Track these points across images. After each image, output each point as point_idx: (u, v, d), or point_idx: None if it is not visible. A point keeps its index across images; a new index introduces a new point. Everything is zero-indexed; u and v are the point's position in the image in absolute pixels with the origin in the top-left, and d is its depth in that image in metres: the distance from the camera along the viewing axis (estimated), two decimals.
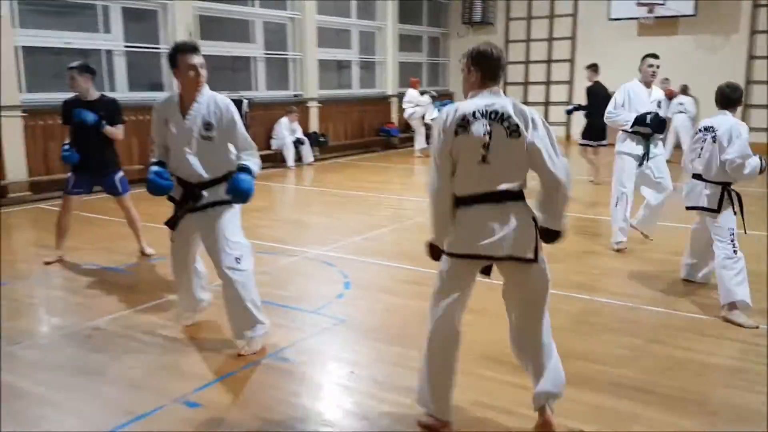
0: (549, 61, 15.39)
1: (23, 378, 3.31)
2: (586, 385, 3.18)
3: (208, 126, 3.45)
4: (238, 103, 10.55)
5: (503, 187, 2.55)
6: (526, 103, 15.93)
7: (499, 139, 2.52)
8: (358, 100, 13.72)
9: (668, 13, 13.27)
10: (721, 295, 4.07)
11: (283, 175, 10.70)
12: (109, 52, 9.31)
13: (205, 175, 3.50)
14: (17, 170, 8.07)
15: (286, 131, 11.40)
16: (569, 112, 11.19)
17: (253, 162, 3.48)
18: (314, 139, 12.13)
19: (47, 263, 5.34)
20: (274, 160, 11.52)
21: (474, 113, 2.54)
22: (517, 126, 2.52)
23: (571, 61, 15.05)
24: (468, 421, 2.90)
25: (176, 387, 3.19)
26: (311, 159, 11.75)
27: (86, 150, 5.22)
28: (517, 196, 2.59)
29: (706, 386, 3.17)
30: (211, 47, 10.59)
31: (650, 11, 13.32)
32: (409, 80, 13.33)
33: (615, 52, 14.16)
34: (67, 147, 5.22)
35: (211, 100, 3.49)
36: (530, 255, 2.61)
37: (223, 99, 3.53)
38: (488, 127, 2.52)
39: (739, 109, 4.58)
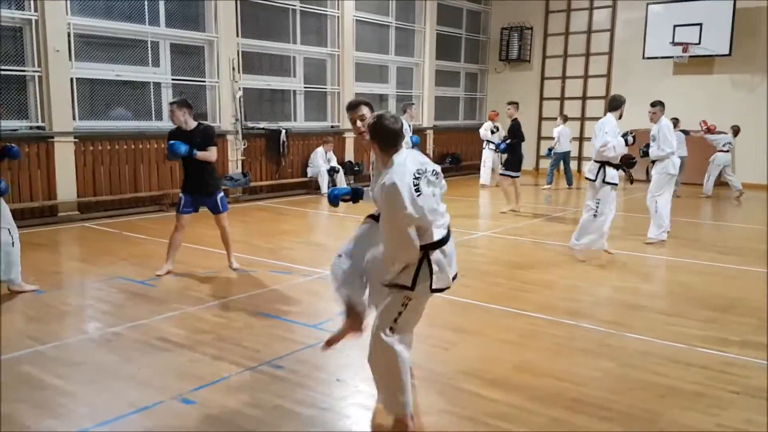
0: (584, 98, 15.56)
1: (47, 372, 3.75)
2: (549, 400, 3.42)
3: None
4: (277, 132, 11.27)
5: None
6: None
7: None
8: None
9: (703, 52, 13.33)
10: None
11: (317, 202, 11.16)
12: (157, 84, 10.03)
13: None
14: (67, 191, 8.76)
15: (321, 160, 11.91)
16: (504, 150, 10.81)
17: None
18: (349, 168, 12.61)
19: (158, 275, 5.88)
20: (308, 187, 12.03)
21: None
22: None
23: (606, 98, 15.14)
24: (431, 426, 3.16)
25: (177, 386, 3.57)
26: None
27: (191, 173, 5.92)
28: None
29: (663, 407, 3.35)
30: (252, 80, 11.26)
31: (685, 50, 13.41)
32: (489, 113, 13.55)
33: (650, 90, 14.27)
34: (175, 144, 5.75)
35: None
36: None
37: None
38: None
39: (620, 111, 6.78)
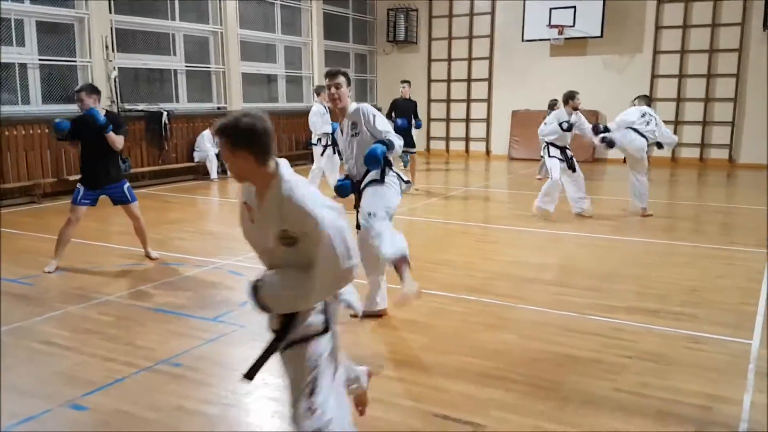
0: (469, 80, 15.98)
1: None
2: (457, 376, 3.48)
3: (353, 125, 4.24)
4: (157, 114, 10.68)
5: None
6: (448, 120, 16.52)
7: None
8: (285, 113, 13.87)
9: (577, 34, 14.06)
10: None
11: (206, 188, 10.74)
12: (23, 65, 9.17)
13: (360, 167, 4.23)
14: None
15: (209, 143, 11.45)
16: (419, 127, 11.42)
17: (394, 138, 4.17)
18: None
19: (47, 272, 5.46)
20: (196, 172, 11.54)
21: None
22: None
23: (489, 80, 15.68)
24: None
25: (66, 392, 3.29)
26: None
27: (93, 163, 5.56)
28: None
29: (563, 375, 3.50)
30: (128, 59, 10.58)
31: (560, 32, 14.08)
32: None
33: (530, 72, 14.92)
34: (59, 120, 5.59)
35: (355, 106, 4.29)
36: None
37: (362, 104, 4.32)
38: None
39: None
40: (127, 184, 5.79)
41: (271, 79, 14.03)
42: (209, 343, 4.00)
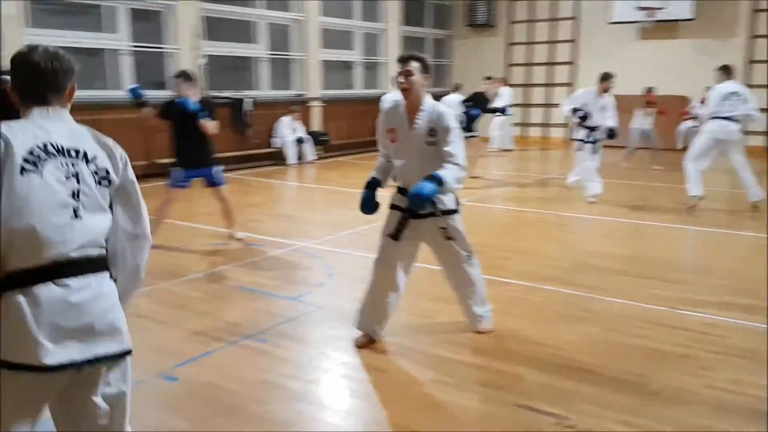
0: (551, 64, 15.57)
1: None
2: (537, 366, 3.42)
3: (432, 131, 3.43)
4: (240, 101, 10.98)
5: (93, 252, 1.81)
6: (526, 105, 16.19)
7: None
8: (361, 99, 13.97)
9: (668, 17, 13.41)
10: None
11: (284, 173, 10.97)
12: (115, 52, 9.61)
13: None
14: None
15: (287, 130, 11.68)
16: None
17: (449, 172, 3.34)
18: (316, 138, 12.40)
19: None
20: (275, 158, 11.80)
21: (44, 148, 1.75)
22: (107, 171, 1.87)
23: (573, 63, 15.22)
24: (423, 396, 3.13)
25: (158, 363, 3.45)
26: (312, 157, 12.02)
27: (188, 146, 5.77)
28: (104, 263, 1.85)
29: (650, 370, 3.38)
30: (215, 47, 10.91)
31: (651, 15, 13.47)
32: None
33: (616, 55, 14.34)
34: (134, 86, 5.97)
35: (435, 109, 3.47)
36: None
37: (443, 108, 3.53)
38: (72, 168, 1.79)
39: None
40: (218, 168, 6.00)
41: (348, 66, 14.14)
42: (291, 321, 4.10)
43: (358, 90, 14.24)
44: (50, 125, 1.81)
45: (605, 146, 8.40)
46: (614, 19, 14.12)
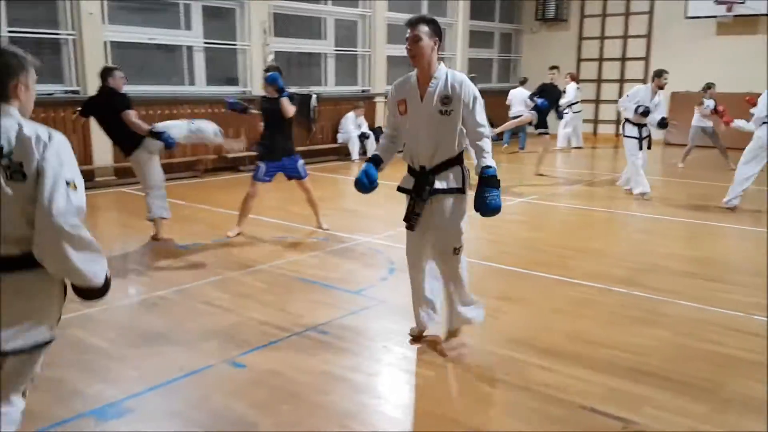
0: (623, 59, 15.09)
1: (95, 335, 3.76)
2: (606, 369, 3.33)
3: (446, 100, 3.20)
4: (306, 97, 11.13)
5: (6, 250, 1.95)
6: (597, 101, 15.76)
7: None
8: None
9: (747, 11, 12.76)
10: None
11: (347, 168, 11.06)
12: (189, 48, 9.93)
13: (434, 159, 3.29)
14: (104, 156, 8.78)
15: (351, 125, 11.77)
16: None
17: (489, 155, 3.24)
18: (380, 134, 12.42)
19: (229, 236, 6.01)
20: (339, 153, 11.93)
21: None
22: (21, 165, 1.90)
23: (646, 59, 14.71)
24: (484, 396, 3.10)
25: (225, 350, 3.55)
26: None
27: (271, 137, 6.00)
28: (21, 262, 1.96)
29: (723, 377, 3.23)
30: (283, 44, 11.10)
31: (729, 9, 12.85)
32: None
33: (692, 51, 13.78)
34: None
35: (449, 75, 3.25)
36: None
37: (460, 75, 3.30)
38: None
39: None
40: (301, 161, 6.17)
41: None
42: (353, 315, 4.14)
43: None
44: None
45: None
46: (691, 13, 13.55)
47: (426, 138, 3.26)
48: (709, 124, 10.63)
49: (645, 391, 3.09)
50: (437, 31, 3.22)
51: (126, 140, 5.81)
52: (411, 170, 3.42)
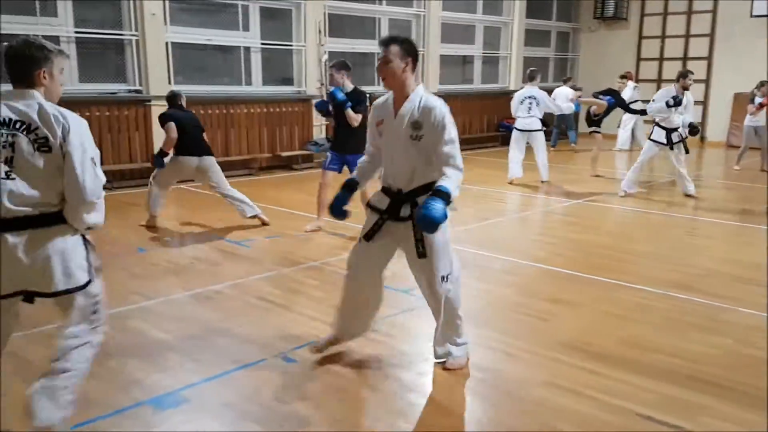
0: (685, 59, 14.62)
1: (154, 327, 3.89)
2: (661, 376, 3.25)
3: (416, 125, 3.05)
4: (362, 95, 11.21)
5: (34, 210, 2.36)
6: None
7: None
8: (479, 95, 13.83)
9: None
10: None
11: None
12: (247, 49, 10.14)
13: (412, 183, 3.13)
14: None
15: None
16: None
17: (452, 181, 2.97)
18: None
19: (307, 231, 6.20)
20: None
21: None
22: (46, 138, 2.32)
23: (709, 59, 14.21)
24: (535, 399, 3.07)
25: (278, 344, 3.63)
26: None
27: (340, 132, 6.15)
28: (49, 219, 2.40)
29: None
30: (337, 44, 11.21)
31: None
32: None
33: (756, 51, 13.25)
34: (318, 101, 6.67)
35: (422, 100, 3.07)
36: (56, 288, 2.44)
37: (434, 100, 3.08)
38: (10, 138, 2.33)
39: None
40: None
41: (467, 61, 14.02)
42: (403, 314, 4.16)
43: (477, 84, 14.09)
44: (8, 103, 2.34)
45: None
46: (756, 12, 13.02)
47: (401, 161, 3.12)
48: (761, 123, 10.23)
49: (701, 400, 3.00)
50: (410, 51, 3.05)
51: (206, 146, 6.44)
52: (386, 190, 3.22)
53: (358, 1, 11.45)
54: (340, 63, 6.08)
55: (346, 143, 6.05)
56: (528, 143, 9.16)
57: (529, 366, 3.40)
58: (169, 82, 9.06)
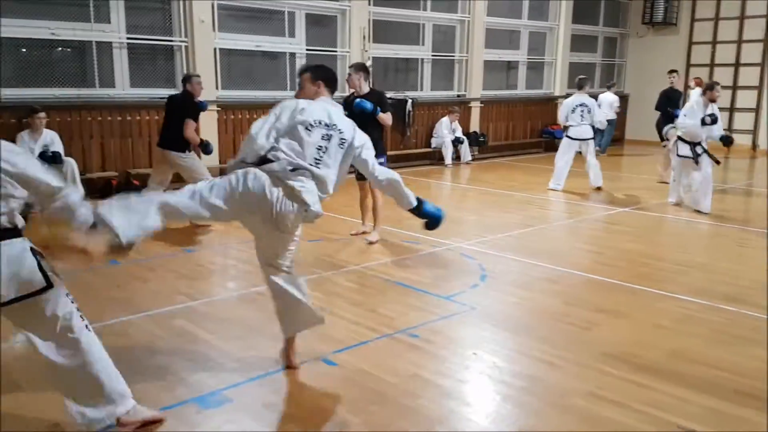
0: (737, 65, 14.21)
1: (199, 327, 3.97)
2: (708, 389, 3.18)
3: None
4: (402, 102, 11.24)
5: None
6: None
7: None
8: (523, 100, 13.70)
9: None
10: None
11: (440, 173, 11.07)
12: (292, 55, 10.28)
13: None
14: (210, 157, 9.22)
15: (446, 130, 11.76)
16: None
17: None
18: (474, 139, 12.37)
19: (353, 234, 6.24)
20: (432, 158, 11.95)
21: None
22: None
23: (762, 65, 13.78)
24: (577, 410, 3.02)
25: (319, 347, 3.66)
26: (469, 158, 12.01)
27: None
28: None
29: None
30: (381, 50, 11.27)
31: None
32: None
33: None
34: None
35: None
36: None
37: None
38: None
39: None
40: (381, 161, 6.02)
41: (511, 66, 13.91)
42: (444, 320, 4.15)
43: (521, 90, 13.97)
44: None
45: None
46: None
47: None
48: None
49: (748, 414, 2.92)
50: (319, 75, 3.38)
51: (175, 141, 6.54)
52: None
53: (403, 7, 11.50)
54: (359, 65, 6.01)
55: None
56: (578, 151, 9.08)
57: (571, 376, 3.35)
58: (217, 87, 9.25)
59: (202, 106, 6.83)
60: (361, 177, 6.13)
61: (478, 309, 4.34)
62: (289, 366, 3.40)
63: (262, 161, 2.99)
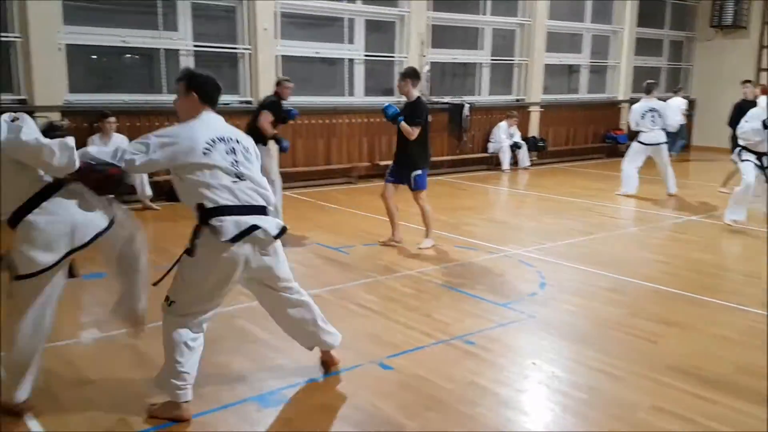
0: None
1: (259, 327, 4.04)
2: (734, 392, 3.13)
3: None
4: (458, 107, 11.19)
5: None
6: None
7: None
8: (584, 105, 13.42)
9: None
10: None
11: (497, 178, 10.95)
12: (351, 61, 10.39)
13: None
14: (284, 160, 9.40)
15: (504, 135, 11.63)
16: None
17: None
18: (533, 144, 12.19)
19: (381, 243, 6.16)
20: (489, 162, 11.83)
21: None
22: None
23: None
24: (640, 423, 2.93)
25: (375, 351, 3.68)
26: (527, 163, 11.83)
27: (397, 145, 6.03)
28: None
29: None
30: (439, 54, 11.25)
31: None
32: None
33: None
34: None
35: None
36: None
37: None
38: None
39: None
40: (417, 173, 5.87)
41: (572, 70, 13.65)
42: (501, 327, 4.10)
43: (582, 94, 13.69)
44: None
45: None
46: None
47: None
48: None
49: None
50: (192, 86, 3.08)
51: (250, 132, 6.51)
52: None
53: (462, 11, 11.46)
54: (408, 71, 5.92)
55: (399, 158, 5.96)
56: (649, 156, 8.84)
57: (634, 388, 3.26)
58: None
59: (291, 115, 6.87)
60: (388, 179, 6.06)
61: (537, 317, 4.27)
62: (332, 364, 3.45)
63: None
